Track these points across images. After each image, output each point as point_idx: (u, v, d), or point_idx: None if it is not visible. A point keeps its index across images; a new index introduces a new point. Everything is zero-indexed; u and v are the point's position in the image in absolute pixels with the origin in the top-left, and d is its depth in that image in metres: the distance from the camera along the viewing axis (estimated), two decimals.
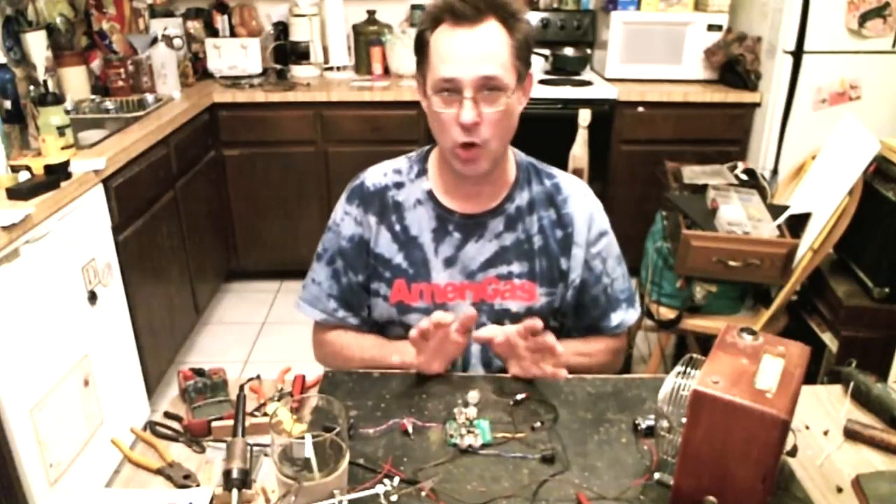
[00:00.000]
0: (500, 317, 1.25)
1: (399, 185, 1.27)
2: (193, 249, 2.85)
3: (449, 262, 1.25)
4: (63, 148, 2.08)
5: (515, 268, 1.25)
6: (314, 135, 3.16)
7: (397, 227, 1.26)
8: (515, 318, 1.24)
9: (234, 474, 0.90)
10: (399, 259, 1.25)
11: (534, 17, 3.40)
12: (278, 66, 3.34)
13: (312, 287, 1.32)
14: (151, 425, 1.11)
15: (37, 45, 2.53)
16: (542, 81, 3.22)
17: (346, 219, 1.28)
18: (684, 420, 0.86)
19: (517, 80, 1.13)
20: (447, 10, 1.10)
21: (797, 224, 2.08)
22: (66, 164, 1.95)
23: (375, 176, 1.29)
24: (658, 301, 2.21)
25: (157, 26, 3.19)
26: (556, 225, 1.26)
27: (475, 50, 1.09)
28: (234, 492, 0.89)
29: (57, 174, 1.90)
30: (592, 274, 1.28)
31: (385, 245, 1.26)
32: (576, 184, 1.30)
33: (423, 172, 1.27)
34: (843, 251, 2.13)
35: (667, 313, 2.19)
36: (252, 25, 3.49)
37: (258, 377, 1.22)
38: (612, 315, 1.31)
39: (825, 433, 1.09)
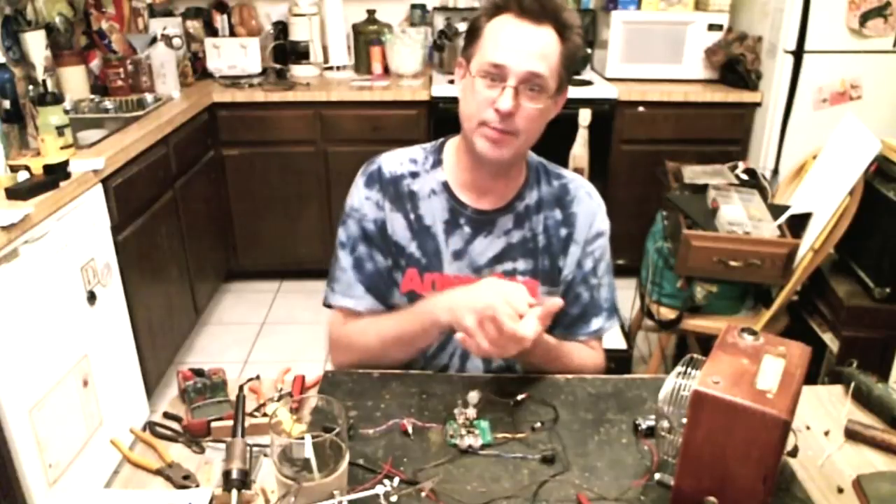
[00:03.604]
0: None
1: (415, 175, 1.27)
2: (193, 249, 2.85)
3: (457, 255, 1.25)
4: (62, 148, 2.07)
5: (520, 265, 1.25)
6: (314, 134, 3.15)
7: (412, 216, 1.26)
8: None
9: (234, 475, 0.90)
10: (412, 248, 1.25)
11: None
12: (278, 66, 3.34)
13: (341, 275, 1.28)
14: (151, 426, 1.11)
15: (36, 44, 2.53)
16: None
17: (366, 203, 1.26)
18: (685, 420, 0.86)
19: (557, 89, 1.15)
20: (515, 2, 1.13)
21: (798, 224, 2.08)
22: (65, 163, 1.95)
23: (391, 163, 1.28)
24: (658, 301, 2.21)
25: (157, 26, 3.19)
26: (560, 225, 1.27)
27: (530, 45, 1.11)
28: (234, 492, 0.89)
29: (56, 174, 1.90)
30: (581, 271, 1.28)
31: (400, 233, 1.26)
32: (583, 184, 1.30)
33: (438, 163, 1.27)
34: (844, 251, 2.12)
35: (667, 313, 2.19)
36: (251, 25, 3.48)
37: (258, 377, 1.22)
38: (592, 320, 1.30)
39: (826, 434, 1.09)
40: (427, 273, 1.25)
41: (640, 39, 3.22)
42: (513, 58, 1.11)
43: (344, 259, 1.28)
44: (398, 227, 1.26)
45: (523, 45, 1.11)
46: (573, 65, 1.18)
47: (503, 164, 1.19)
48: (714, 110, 3.13)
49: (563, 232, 1.26)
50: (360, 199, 1.27)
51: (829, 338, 2.05)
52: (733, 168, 2.42)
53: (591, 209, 1.28)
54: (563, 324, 1.30)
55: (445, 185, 1.26)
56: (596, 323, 1.30)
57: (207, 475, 1.01)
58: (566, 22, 1.14)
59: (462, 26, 3.19)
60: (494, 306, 1.04)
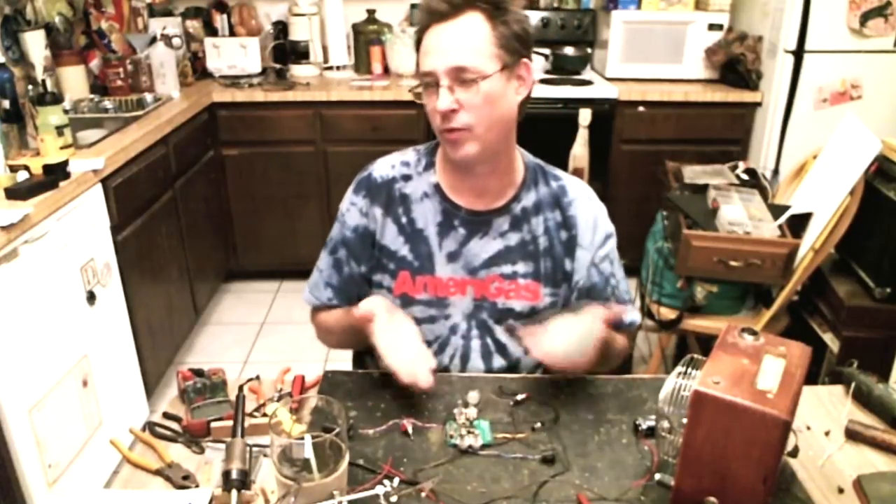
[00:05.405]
0: (504, 315, 1.25)
1: (406, 178, 1.28)
2: (192, 249, 2.85)
3: (452, 257, 1.25)
4: (62, 148, 2.07)
5: (520, 268, 1.25)
6: (314, 134, 3.15)
7: (403, 220, 1.26)
8: (519, 317, 1.25)
9: (234, 475, 0.90)
10: (405, 251, 1.26)
11: (534, 17, 3.39)
12: (278, 66, 3.34)
13: (315, 274, 1.37)
14: (150, 426, 1.11)
15: (35, 44, 2.53)
16: (542, 81, 3.21)
17: (351, 209, 1.29)
18: (685, 420, 0.86)
19: (501, 69, 1.12)
20: (426, 11, 1.14)
21: (798, 224, 2.07)
22: (65, 163, 1.94)
23: (383, 168, 1.29)
24: (659, 301, 2.21)
25: (156, 25, 3.19)
26: (560, 227, 1.26)
27: (448, 42, 1.12)
28: (234, 492, 0.89)
29: (55, 174, 1.90)
30: (602, 276, 1.29)
31: (391, 237, 1.26)
32: (581, 186, 1.30)
33: (430, 165, 1.28)
34: (845, 251, 2.12)
35: (667, 313, 2.19)
36: (251, 25, 3.48)
37: (257, 377, 1.22)
38: (622, 316, 1.31)
39: (826, 434, 1.09)
40: (419, 276, 1.25)
41: (640, 39, 3.21)
42: (434, 61, 1.12)
43: (323, 259, 1.35)
44: (389, 232, 1.27)
45: (440, 45, 1.12)
46: (516, 39, 1.14)
47: (476, 160, 1.18)
48: (714, 110, 3.13)
49: (564, 234, 1.26)
50: (347, 204, 1.31)
51: (829, 338, 2.05)
52: (733, 168, 2.42)
53: (591, 212, 1.28)
54: None
55: (437, 188, 1.26)
56: (627, 318, 1.33)
57: (207, 475, 1.01)
58: (488, 1, 1.12)
59: None
60: (397, 371, 1.10)
